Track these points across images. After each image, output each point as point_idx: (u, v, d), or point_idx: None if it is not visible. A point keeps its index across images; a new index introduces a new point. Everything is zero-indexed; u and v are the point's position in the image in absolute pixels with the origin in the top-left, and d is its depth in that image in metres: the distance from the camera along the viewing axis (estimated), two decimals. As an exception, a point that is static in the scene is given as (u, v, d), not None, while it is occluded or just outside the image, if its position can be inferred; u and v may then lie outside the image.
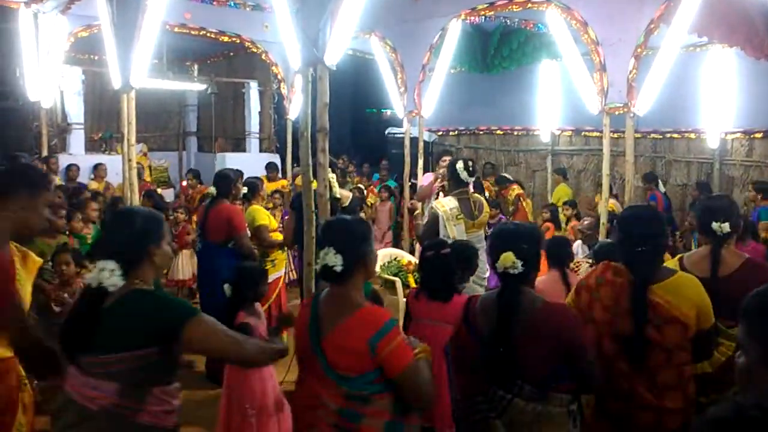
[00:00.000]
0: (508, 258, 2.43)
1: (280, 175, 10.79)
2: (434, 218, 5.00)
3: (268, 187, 9.99)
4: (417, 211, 6.45)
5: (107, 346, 2.09)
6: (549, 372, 2.37)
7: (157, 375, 2.16)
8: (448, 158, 6.67)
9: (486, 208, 5.28)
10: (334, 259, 2.28)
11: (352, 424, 2.26)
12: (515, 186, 9.76)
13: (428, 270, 3.94)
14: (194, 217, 7.42)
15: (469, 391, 2.56)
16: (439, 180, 6.33)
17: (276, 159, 11.93)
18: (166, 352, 2.13)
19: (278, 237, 5.76)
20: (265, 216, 5.75)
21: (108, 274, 2.11)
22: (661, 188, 9.49)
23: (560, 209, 8.27)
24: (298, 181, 5.92)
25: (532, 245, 2.52)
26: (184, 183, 10.96)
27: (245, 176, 6.10)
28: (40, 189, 2.49)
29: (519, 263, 2.43)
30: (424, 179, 7.31)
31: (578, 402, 2.52)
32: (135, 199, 6.08)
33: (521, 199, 9.31)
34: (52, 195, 2.64)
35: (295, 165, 9.93)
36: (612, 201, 9.66)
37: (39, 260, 2.65)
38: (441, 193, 5.99)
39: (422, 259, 4.05)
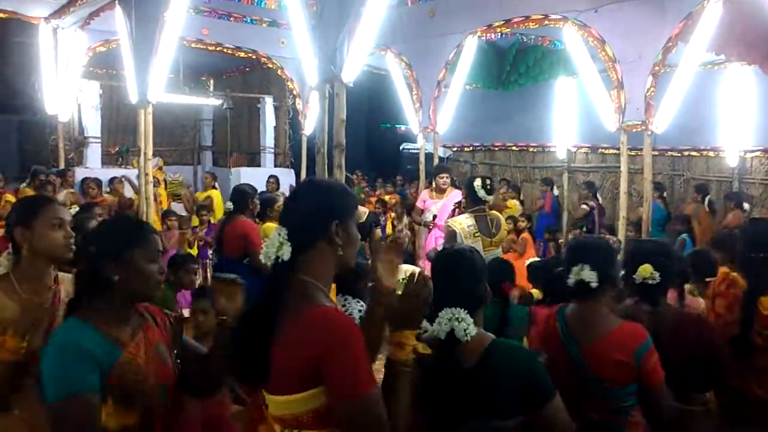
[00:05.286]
0: (646, 269, 2.62)
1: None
2: (452, 235, 4.96)
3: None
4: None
5: (491, 410, 1.90)
6: (688, 375, 2.54)
7: None
8: (445, 175, 6.66)
9: (504, 225, 5.22)
10: (590, 275, 2.37)
11: None
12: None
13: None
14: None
15: None
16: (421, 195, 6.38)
17: (291, 174, 11.95)
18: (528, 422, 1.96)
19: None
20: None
21: (462, 324, 1.92)
22: (555, 192, 10.75)
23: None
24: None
25: (668, 259, 2.71)
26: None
27: (260, 191, 6.09)
28: (352, 211, 1.75)
29: (657, 274, 2.62)
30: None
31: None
32: (151, 213, 6.09)
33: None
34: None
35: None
36: (515, 202, 9.73)
37: None
38: (456, 210, 5.93)
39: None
